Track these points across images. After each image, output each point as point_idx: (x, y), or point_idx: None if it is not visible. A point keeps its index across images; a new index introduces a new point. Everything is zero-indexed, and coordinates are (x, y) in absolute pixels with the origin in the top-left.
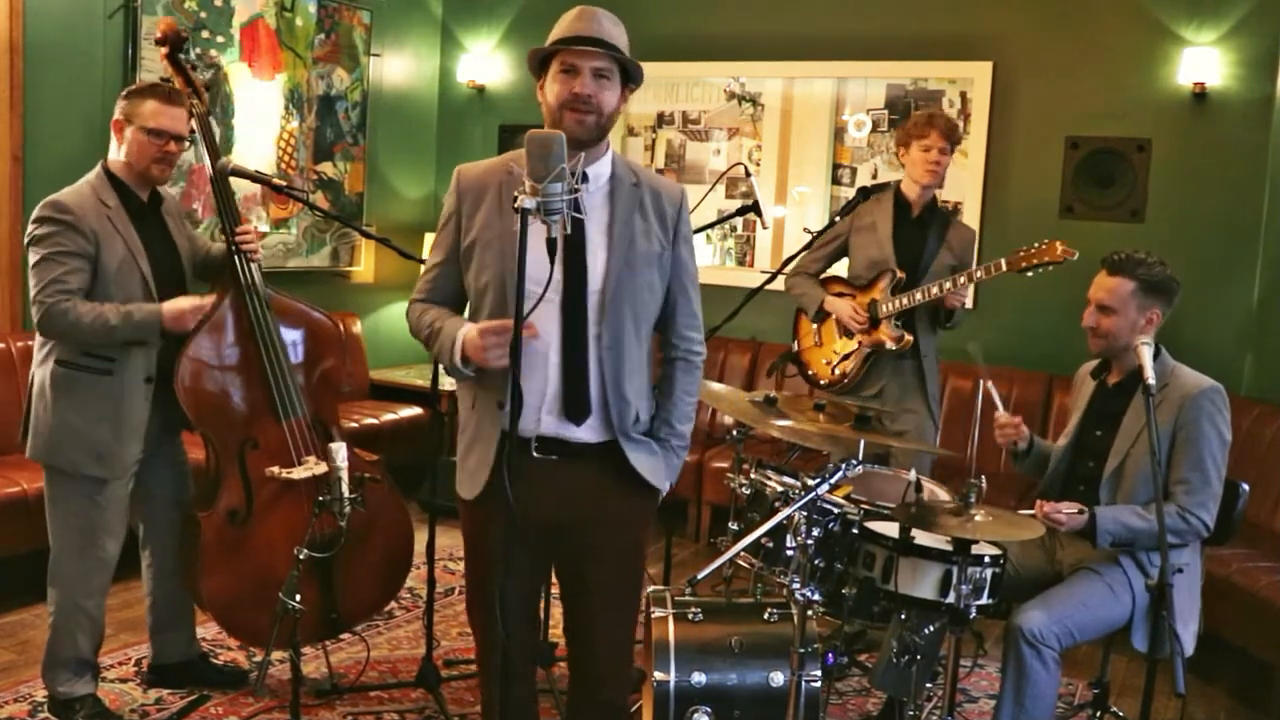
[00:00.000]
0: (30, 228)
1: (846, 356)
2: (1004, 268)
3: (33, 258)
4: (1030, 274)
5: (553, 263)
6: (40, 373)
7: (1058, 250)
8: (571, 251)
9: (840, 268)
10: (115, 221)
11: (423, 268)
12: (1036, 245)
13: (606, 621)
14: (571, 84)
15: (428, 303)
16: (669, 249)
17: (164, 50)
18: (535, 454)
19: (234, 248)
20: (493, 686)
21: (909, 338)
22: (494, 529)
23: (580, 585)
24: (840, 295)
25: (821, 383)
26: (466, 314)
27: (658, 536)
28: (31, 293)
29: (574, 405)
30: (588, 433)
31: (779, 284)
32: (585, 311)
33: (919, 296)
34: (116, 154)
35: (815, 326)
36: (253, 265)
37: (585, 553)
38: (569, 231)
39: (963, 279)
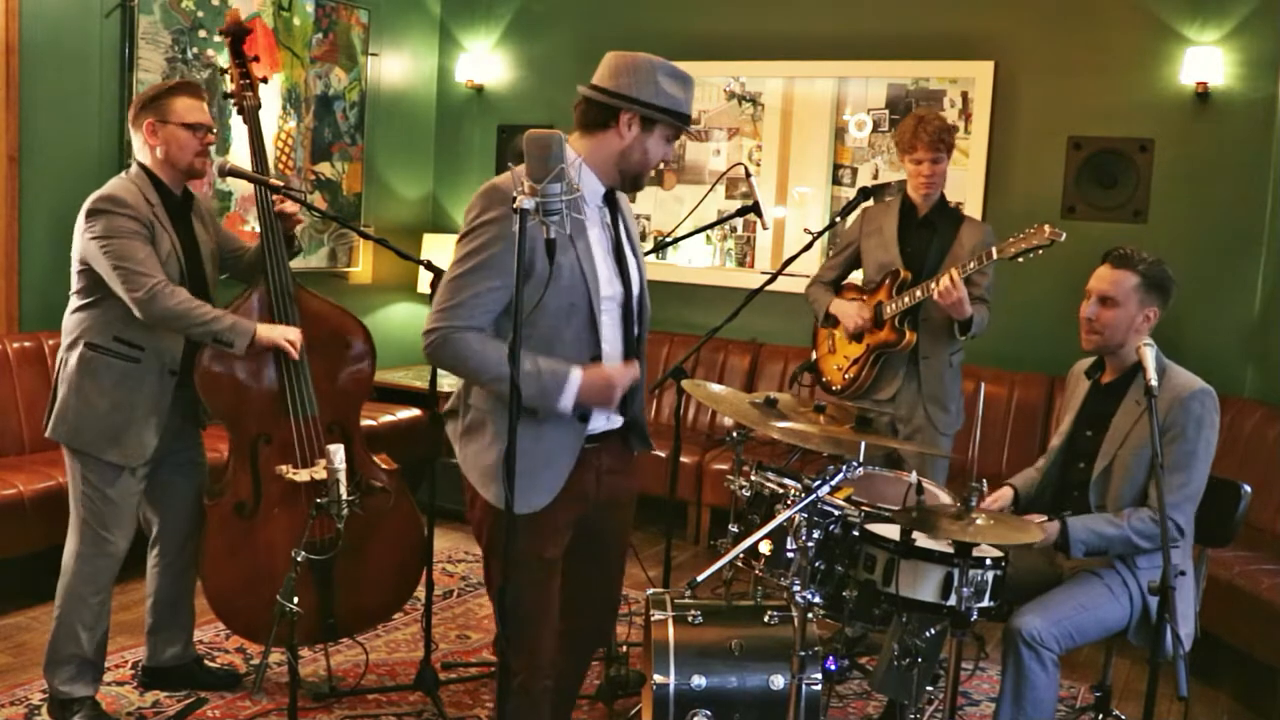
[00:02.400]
0: (89, 223)
1: (855, 361)
2: (994, 256)
3: (105, 248)
4: (1021, 260)
5: (551, 262)
6: (70, 356)
7: (1045, 233)
8: (620, 259)
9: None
10: (160, 218)
11: (464, 289)
12: (1025, 231)
13: (612, 588)
14: (667, 152)
15: (481, 330)
16: None
17: (228, 40)
18: (585, 445)
19: (268, 241)
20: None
21: (910, 336)
22: (561, 536)
23: (591, 558)
24: (851, 300)
25: (834, 389)
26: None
27: (657, 539)
28: (123, 287)
29: (629, 398)
30: (608, 420)
31: (779, 285)
32: (633, 314)
33: (918, 294)
34: (147, 156)
35: (830, 334)
36: (285, 266)
37: (603, 528)
38: (566, 231)
39: (955, 272)
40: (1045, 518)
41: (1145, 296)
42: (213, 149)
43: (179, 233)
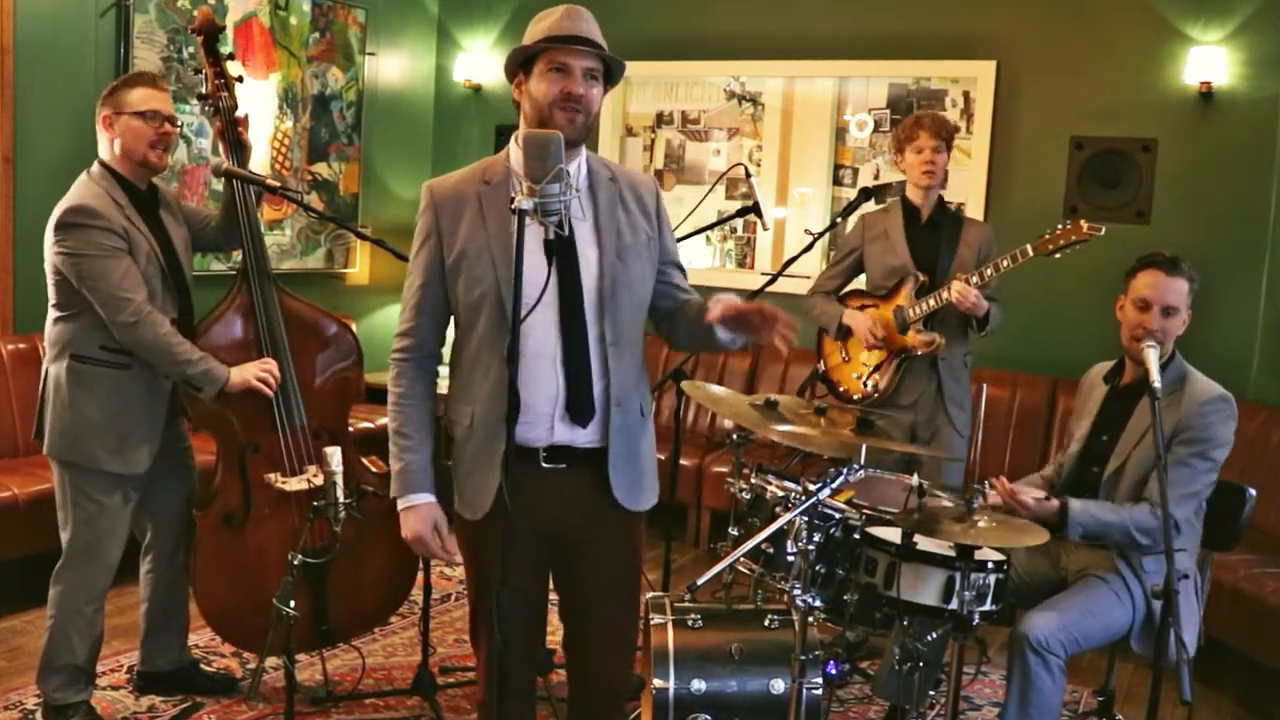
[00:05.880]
0: (60, 237)
1: (877, 368)
2: (1030, 253)
3: (79, 266)
4: (1058, 255)
5: (551, 263)
6: (55, 369)
7: (1083, 228)
8: (562, 252)
9: (859, 282)
10: (132, 217)
11: (403, 296)
12: (1061, 226)
13: (605, 636)
14: (564, 83)
15: (408, 359)
16: (655, 236)
17: (200, 39)
18: (544, 464)
19: (249, 253)
20: (493, 704)
21: (940, 340)
22: (488, 552)
23: (579, 597)
24: (862, 309)
25: (854, 398)
26: (451, 332)
27: (657, 542)
28: (105, 308)
29: (579, 407)
30: (593, 436)
31: (780, 286)
32: (582, 311)
33: (945, 296)
34: (109, 151)
35: (841, 343)
36: (266, 273)
37: (582, 564)
38: (564, 233)
39: (989, 270)
40: (1043, 494)
41: (1190, 299)
42: (207, 152)
43: (152, 230)
